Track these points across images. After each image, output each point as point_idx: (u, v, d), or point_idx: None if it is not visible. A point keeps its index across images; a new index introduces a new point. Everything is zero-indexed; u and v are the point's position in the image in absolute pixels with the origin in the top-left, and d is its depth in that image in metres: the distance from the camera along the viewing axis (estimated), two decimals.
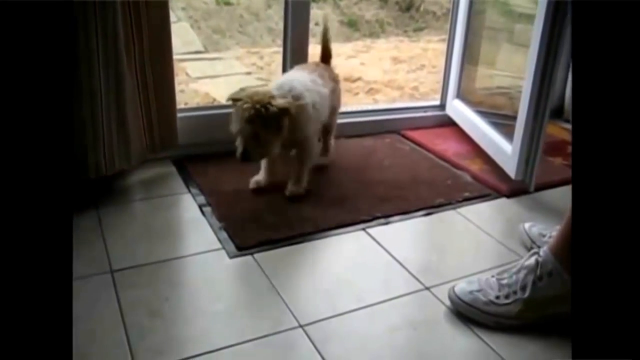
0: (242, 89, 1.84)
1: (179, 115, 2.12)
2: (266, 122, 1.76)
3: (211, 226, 1.78)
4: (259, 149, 1.80)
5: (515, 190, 2.12)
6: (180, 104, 2.13)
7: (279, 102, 1.78)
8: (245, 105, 1.76)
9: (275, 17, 5.36)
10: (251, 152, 1.79)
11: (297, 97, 1.85)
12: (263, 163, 2.01)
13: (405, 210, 1.94)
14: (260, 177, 2.02)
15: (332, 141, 2.27)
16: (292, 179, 1.97)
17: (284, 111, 1.77)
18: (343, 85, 3.96)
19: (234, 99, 1.81)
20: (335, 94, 2.13)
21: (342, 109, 2.69)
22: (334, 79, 2.15)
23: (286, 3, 2.30)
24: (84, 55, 1.73)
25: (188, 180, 2.08)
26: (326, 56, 2.20)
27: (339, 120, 2.30)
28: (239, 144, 1.80)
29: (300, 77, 1.96)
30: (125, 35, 1.84)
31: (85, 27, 1.71)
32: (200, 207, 1.90)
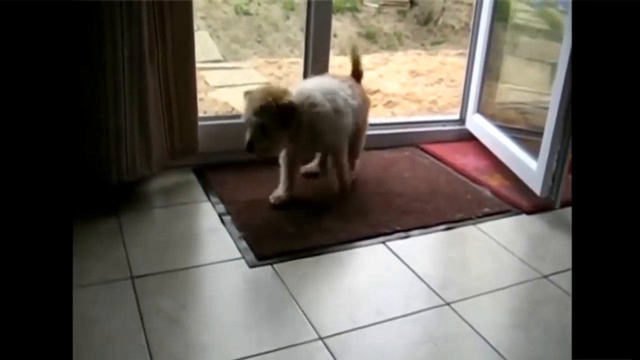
0: (259, 86, 1.87)
1: (200, 123, 2.13)
2: (273, 115, 1.75)
3: (231, 235, 1.79)
4: (265, 141, 1.80)
5: (537, 206, 2.10)
6: (200, 113, 2.14)
7: (287, 97, 1.80)
8: (255, 96, 1.78)
9: (294, 28, 5.39)
10: (256, 143, 1.79)
11: (314, 105, 1.85)
12: (282, 176, 2.00)
13: (426, 224, 1.93)
14: (280, 191, 1.99)
15: (358, 161, 2.23)
16: (336, 178, 2.05)
17: (291, 106, 1.78)
18: None
19: (249, 92, 1.85)
20: (362, 111, 2.10)
21: None
22: (364, 98, 2.13)
23: (308, 13, 2.31)
24: (110, 63, 1.76)
25: (208, 189, 2.08)
26: (357, 73, 2.17)
27: None
28: (247, 135, 1.81)
29: (327, 83, 1.96)
30: (150, 43, 1.86)
31: (112, 35, 1.74)
32: (220, 215, 1.90)
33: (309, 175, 2.19)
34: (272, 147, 1.85)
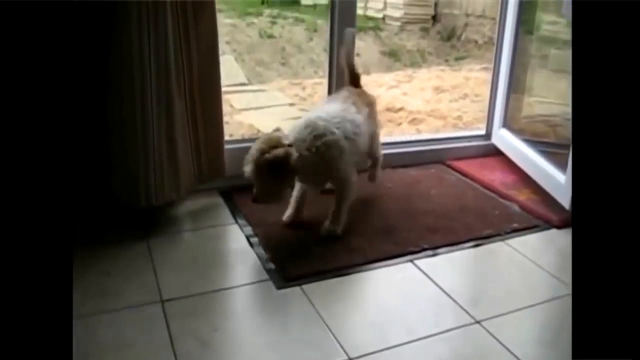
0: (274, 131, 1.84)
1: (226, 147, 2.15)
2: (269, 169, 1.74)
3: (258, 257, 1.80)
4: (267, 192, 1.80)
5: (566, 220, 2.07)
6: (226, 136, 2.17)
7: (276, 151, 1.74)
8: (253, 150, 1.78)
9: (317, 49, 5.44)
10: (259, 194, 1.80)
11: (319, 136, 1.81)
12: (292, 198, 1.99)
13: (454, 242, 1.92)
14: (289, 211, 1.99)
15: (380, 171, 2.24)
16: (329, 216, 1.92)
17: (282, 157, 1.73)
18: (386, 116, 4.02)
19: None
20: (372, 118, 2.10)
21: (387, 139, 2.70)
22: (369, 103, 2.11)
23: (331, 33, 2.33)
24: (138, 87, 1.80)
25: (235, 211, 2.10)
26: (354, 78, 2.15)
27: (382, 151, 2.29)
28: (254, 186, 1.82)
29: (330, 110, 1.92)
30: (176, 66, 1.89)
31: (140, 59, 1.78)
32: (248, 237, 1.92)
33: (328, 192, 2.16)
34: (275, 196, 1.84)
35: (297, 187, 1.97)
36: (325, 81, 2.46)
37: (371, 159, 2.20)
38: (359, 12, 6.38)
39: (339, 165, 1.86)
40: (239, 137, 3.11)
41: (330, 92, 2.40)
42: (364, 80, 2.23)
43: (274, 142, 1.77)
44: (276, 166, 1.74)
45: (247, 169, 1.79)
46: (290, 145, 1.77)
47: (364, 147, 2.02)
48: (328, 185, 1.99)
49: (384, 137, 2.73)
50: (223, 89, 2.08)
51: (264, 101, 4.17)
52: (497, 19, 2.63)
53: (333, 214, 1.92)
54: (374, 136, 2.12)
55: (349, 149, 1.88)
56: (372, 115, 2.10)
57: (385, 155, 2.35)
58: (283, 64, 5.12)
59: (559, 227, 2.05)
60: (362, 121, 1.97)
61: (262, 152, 1.75)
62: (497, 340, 1.45)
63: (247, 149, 2.26)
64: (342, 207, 1.92)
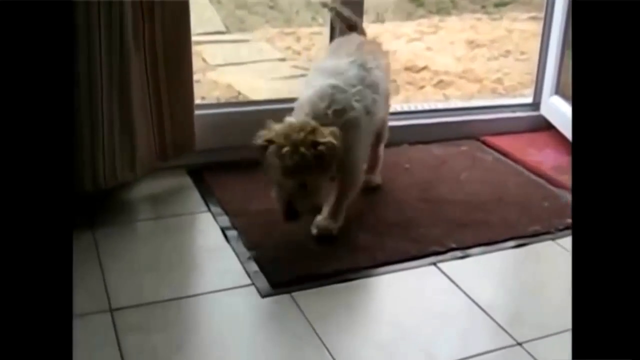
0: (269, 130, 1.76)
1: (197, 112, 2.16)
2: (313, 167, 1.70)
3: (238, 256, 1.80)
4: (309, 200, 1.77)
5: None
6: (196, 99, 2.17)
7: (326, 134, 1.71)
8: (284, 151, 1.69)
9: None
10: (300, 208, 1.76)
11: (341, 113, 1.80)
12: None
13: (490, 240, 1.93)
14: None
15: (382, 151, 2.21)
16: (325, 210, 1.91)
17: (332, 147, 1.70)
18: (404, 76, 4.01)
19: (268, 141, 1.74)
20: (387, 79, 2.10)
21: (404, 106, 2.70)
22: (385, 55, 2.12)
23: None
24: (83, 37, 1.79)
25: (207, 196, 2.10)
26: (354, 28, 2.15)
27: (398, 123, 2.28)
28: (279, 197, 1.77)
29: (344, 70, 1.89)
30: (133, 10, 1.88)
31: (85, 12, 1.76)
32: (224, 230, 1.92)
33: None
34: (318, 202, 1.83)
35: None
36: (326, 30, 2.46)
37: (376, 135, 2.13)
38: None
39: (355, 150, 1.86)
40: (213, 101, 3.12)
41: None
42: (378, 30, 2.22)
43: (309, 132, 1.71)
44: (327, 158, 1.71)
45: (278, 175, 1.73)
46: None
47: (380, 119, 2.03)
48: None
49: (400, 104, 2.73)
50: (194, 38, 2.07)
51: (247, 55, 4.14)
52: None
53: (331, 207, 1.91)
54: (386, 102, 2.12)
55: (366, 128, 1.88)
56: (387, 74, 2.10)
57: (403, 128, 2.36)
58: (272, 7, 5.07)
59: None
60: (382, 81, 1.98)
61: (307, 148, 1.68)
62: None
63: (224, 115, 2.30)
64: (344, 200, 1.91)
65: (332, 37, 2.40)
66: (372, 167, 2.17)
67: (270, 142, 1.74)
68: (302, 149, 1.68)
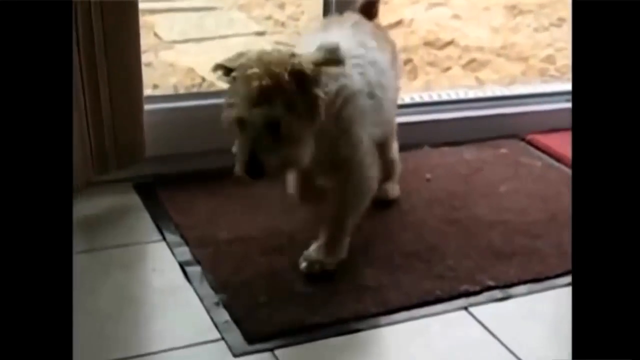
0: (240, 54, 1.77)
1: (146, 108, 2.15)
2: (290, 97, 1.68)
3: (202, 300, 1.79)
4: (281, 151, 1.71)
5: None
6: (146, 89, 2.17)
7: (313, 56, 1.72)
8: (251, 72, 1.68)
9: None
10: (266, 158, 1.69)
11: (334, 83, 1.80)
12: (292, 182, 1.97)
13: (539, 276, 1.92)
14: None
15: (396, 152, 2.22)
16: (320, 237, 1.91)
17: (317, 75, 1.70)
18: (424, 54, 3.99)
19: (227, 68, 1.74)
20: (395, 67, 2.11)
21: (423, 95, 2.69)
22: (392, 44, 2.14)
23: None
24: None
25: (162, 220, 2.09)
26: (369, 9, 2.15)
27: (416, 117, 2.26)
28: (241, 146, 1.72)
29: (341, 39, 1.88)
30: None
31: None
32: (183, 266, 1.90)
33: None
34: (295, 158, 1.75)
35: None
36: None
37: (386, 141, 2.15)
38: None
39: (351, 138, 1.84)
40: (168, 91, 3.09)
41: (326, 11, 2.40)
42: None
43: (288, 59, 1.71)
44: (312, 91, 1.70)
45: (245, 105, 1.68)
46: None
47: (388, 114, 2.03)
48: None
49: (418, 93, 2.72)
50: (142, 5, 2.07)
51: (213, 28, 4.12)
52: None
53: (328, 232, 1.89)
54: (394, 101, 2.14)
55: (370, 113, 1.87)
56: (396, 63, 2.11)
57: (423, 124, 2.35)
58: None
59: None
60: (388, 67, 1.98)
61: (285, 69, 1.68)
62: None
63: (183, 110, 2.29)
64: (344, 221, 1.90)
65: (326, 3, 2.40)
66: (385, 176, 2.15)
67: (237, 66, 1.72)
68: (275, 70, 1.67)
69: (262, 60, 1.70)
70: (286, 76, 1.67)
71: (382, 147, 2.08)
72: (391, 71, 2.02)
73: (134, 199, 2.19)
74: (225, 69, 1.75)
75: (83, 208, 2.11)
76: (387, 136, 2.12)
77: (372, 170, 1.92)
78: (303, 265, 1.87)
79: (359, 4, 2.15)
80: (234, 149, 1.73)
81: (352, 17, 2.08)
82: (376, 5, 2.16)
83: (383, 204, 2.13)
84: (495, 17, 4.53)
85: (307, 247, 1.91)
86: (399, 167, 2.22)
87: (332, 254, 1.88)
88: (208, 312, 1.74)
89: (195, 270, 1.88)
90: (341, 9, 2.23)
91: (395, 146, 2.21)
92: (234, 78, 1.73)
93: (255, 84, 1.66)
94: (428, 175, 2.36)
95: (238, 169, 1.71)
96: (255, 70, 1.67)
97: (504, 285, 1.88)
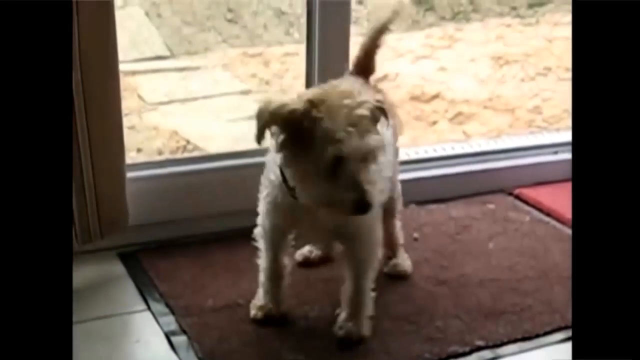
0: (298, 97, 1.70)
1: (129, 175, 2.16)
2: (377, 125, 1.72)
3: None
4: (375, 182, 1.68)
5: None
6: (130, 154, 2.16)
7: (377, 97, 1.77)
8: (347, 102, 1.64)
9: None
10: (371, 189, 1.64)
11: None
12: (264, 283, 1.97)
13: (529, 334, 1.94)
14: (262, 301, 1.99)
15: (399, 224, 2.21)
16: (345, 306, 1.93)
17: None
18: (410, 108, 3.99)
19: (312, 102, 1.64)
20: (396, 135, 2.12)
21: (410, 152, 2.70)
22: (391, 109, 2.12)
23: None
24: None
25: (146, 288, 2.10)
26: (366, 67, 2.15)
27: (402, 175, 2.27)
28: (343, 182, 1.63)
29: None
30: None
31: None
32: (168, 336, 1.90)
33: (307, 264, 2.20)
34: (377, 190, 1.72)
35: (266, 245, 1.95)
36: (303, 49, 2.47)
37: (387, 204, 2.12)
38: None
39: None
40: (151, 157, 3.12)
41: (309, 70, 2.43)
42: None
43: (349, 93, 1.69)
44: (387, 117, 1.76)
45: (354, 138, 1.62)
46: None
47: (389, 183, 2.01)
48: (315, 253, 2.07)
49: (404, 149, 2.72)
50: (125, 67, 2.12)
51: (198, 88, 4.15)
52: None
53: (351, 301, 1.90)
54: (395, 163, 2.14)
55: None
56: (397, 131, 2.11)
57: (409, 182, 2.36)
58: (230, 21, 5.11)
59: None
60: (390, 138, 1.97)
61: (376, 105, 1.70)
62: None
63: (167, 177, 2.31)
64: (363, 285, 1.91)
65: (309, 59, 2.43)
66: (390, 248, 2.17)
67: (312, 103, 1.64)
68: (359, 99, 1.67)
69: (337, 93, 1.69)
70: (377, 112, 1.69)
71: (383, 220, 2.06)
72: (390, 143, 2.00)
73: (118, 268, 2.20)
74: (310, 103, 1.65)
75: None
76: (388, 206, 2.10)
77: (379, 237, 1.95)
78: (341, 333, 1.89)
79: (353, 63, 2.15)
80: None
81: (351, 83, 2.00)
82: (373, 58, 2.15)
83: (393, 278, 2.17)
84: (482, 68, 4.57)
85: (292, 313, 1.96)
86: (400, 239, 2.22)
87: (360, 320, 1.91)
88: None
89: (181, 339, 1.89)
90: (325, 70, 2.29)
91: (396, 223, 2.20)
92: (315, 118, 1.63)
93: (356, 113, 1.64)
94: (415, 235, 2.38)
95: (352, 206, 1.64)
96: (349, 100, 1.65)
97: (493, 345, 1.90)
